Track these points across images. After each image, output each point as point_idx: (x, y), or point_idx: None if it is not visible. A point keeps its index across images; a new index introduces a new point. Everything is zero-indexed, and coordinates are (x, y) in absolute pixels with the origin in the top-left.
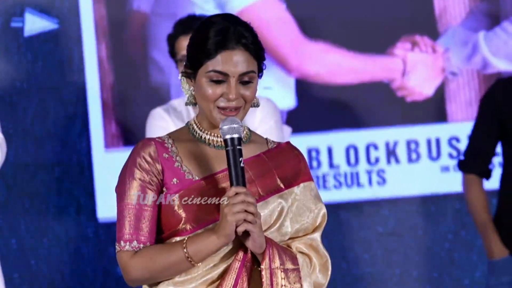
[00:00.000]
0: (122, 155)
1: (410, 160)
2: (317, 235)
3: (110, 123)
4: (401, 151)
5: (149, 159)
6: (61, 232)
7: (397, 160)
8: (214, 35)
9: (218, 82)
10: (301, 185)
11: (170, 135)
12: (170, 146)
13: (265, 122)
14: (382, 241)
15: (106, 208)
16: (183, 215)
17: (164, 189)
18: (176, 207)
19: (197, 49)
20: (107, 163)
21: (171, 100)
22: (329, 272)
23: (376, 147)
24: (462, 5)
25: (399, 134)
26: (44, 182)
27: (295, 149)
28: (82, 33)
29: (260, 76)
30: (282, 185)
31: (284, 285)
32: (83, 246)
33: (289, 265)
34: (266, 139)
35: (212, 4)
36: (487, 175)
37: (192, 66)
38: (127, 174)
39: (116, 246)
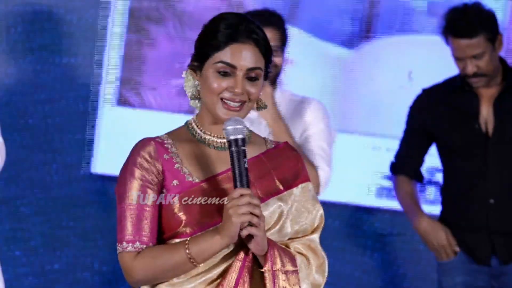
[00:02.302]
0: None
1: None
2: (315, 236)
3: None
4: None
5: (149, 158)
6: None
7: None
8: (224, 28)
9: (224, 74)
10: (300, 186)
11: (169, 134)
12: (170, 146)
13: (314, 124)
14: None
15: None
16: (183, 217)
17: (164, 190)
18: (176, 209)
19: (206, 42)
20: None
21: None
22: (326, 274)
23: None
24: None
25: None
26: None
27: (293, 149)
28: None
29: (265, 78)
30: (281, 187)
31: (285, 287)
32: None
33: (289, 267)
34: (264, 138)
35: None
36: (418, 177)
37: (199, 59)
38: (127, 174)
39: (118, 247)
